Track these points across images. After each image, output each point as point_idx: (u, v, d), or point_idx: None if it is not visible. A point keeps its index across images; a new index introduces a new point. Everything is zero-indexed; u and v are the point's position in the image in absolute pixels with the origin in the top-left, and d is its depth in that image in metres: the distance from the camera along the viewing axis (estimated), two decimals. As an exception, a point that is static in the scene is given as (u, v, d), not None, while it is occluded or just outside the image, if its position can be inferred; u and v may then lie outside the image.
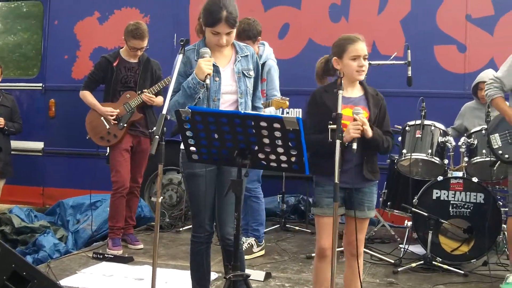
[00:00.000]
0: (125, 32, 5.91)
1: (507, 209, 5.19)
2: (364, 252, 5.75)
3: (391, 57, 6.05)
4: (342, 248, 5.79)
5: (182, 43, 3.84)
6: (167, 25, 7.69)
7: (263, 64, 5.71)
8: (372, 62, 5.99)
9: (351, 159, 3.73)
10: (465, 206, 5.45)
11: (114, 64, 5.97)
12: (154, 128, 3.58)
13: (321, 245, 3.89)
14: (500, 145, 5.04)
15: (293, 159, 3.28)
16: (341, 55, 3.88)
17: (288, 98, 5.51)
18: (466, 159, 5.71)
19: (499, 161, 5.23)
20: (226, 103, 3.94)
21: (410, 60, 6.00)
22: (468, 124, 6.24)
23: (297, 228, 6.91)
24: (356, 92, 3.93)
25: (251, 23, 5.66)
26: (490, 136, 5.11)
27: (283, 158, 3.30)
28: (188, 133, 3.35)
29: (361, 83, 3.97)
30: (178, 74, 3.86)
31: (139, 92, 5.95)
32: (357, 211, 3.82)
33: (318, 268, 3.99)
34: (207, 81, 3.69)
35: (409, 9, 7.16)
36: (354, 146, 3.61)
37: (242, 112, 3.33)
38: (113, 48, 7.52)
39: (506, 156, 4.99)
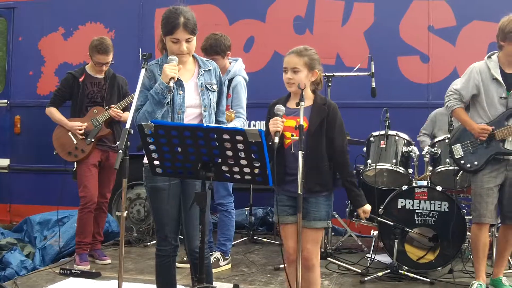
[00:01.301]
0: (90, 47, 5.90)
1: (471, 217, 5.27)
2: (331, 262, 5.85)
3: (355, 69, 6.14)
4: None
5: (144, 57, 3.88)
6: (132, 40, 7.71)
7: (231, 80, 5.74)
8: (336, 74, 6.11)
9: (296, 171, 3.69)
10: (430, 215, 5.51)
11: (80, 79, 5.96)
12: (118, 142, 3.59)
13: (286, 250, 4.00)
14: (462, 155, 5.12)
15: (256, 171, 3.32)
16: None
17: (234, 111, 5.54)
18: (430, 168, 5.79)
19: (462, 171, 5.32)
20: (190, 117, 3.97)
21: (373, 71, 6.09)
22: (437, 131, 6.32)
23: (265, 240, 6.93)
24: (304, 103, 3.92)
25: (218, 38, 5.67)
26: (452, 146, 5.19)
27: (247, 170, 3.33)
28: (152, 147, 3.37)
29: (314, 93, 4.02)
30: (143, 88, 3.89)
31: (107, 107, 5.94)
32: (303, 221, 3.84)
33: (288, 275, 4.06)
34: (171, 83, 3.70)
35: (372, 21, 7.27)
36: (276, 140, 3.68)
37: (205, 125, 3.35)
38: (79, 63, 7.52)
39: (468, 165, 5.08)
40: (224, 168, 3.36)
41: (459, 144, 5.16)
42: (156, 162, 3.43)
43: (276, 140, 3.68)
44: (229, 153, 3.27)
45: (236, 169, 3.34)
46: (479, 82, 5.01)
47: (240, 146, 3.22)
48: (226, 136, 3.21)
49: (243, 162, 3.29)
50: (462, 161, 5.12)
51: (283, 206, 3.94)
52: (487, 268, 5.25)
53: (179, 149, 3.33)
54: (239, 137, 3.20)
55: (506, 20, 4.89)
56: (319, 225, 3.95)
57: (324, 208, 3.96)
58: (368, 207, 4.00)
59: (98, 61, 5.89)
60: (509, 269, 5.52)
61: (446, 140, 5.60)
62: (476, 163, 5.03)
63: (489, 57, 5.06)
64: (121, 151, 3.50)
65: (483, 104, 5.01)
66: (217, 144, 3.26)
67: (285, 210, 3.93)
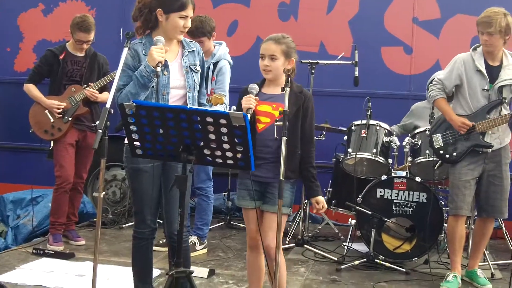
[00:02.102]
0: (71, 24, 5.80)
1: (448, 208, 5.29)
2: (308, 249, 5.85)
3: (339, 57, 6.11)
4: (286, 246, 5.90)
5: (127, 36, 3.81)
6: (113, 18, 7.58)
7: (216, 63, 5.71)
8: (320, 61, 6.07)
9: (266, 156, 3.79)
10: (408, 205, 5.53)
11: (60, 57, 5.86)
12: (98, 122, 3.53)
13: (248, 235, 4.04)
14: (442, 145, 5.13)
15: (239, 155, 3.26)
16: None
17: (225, 94, 5.50)
18: (410, 159, 5.80)
19: (441, 161, 5.32)
20: (174, 98, 3.92)
21: (357, 60, 6.06)
22: (419, 122, 6.31)
23: (242, 225, 6.89)
24: (279, 89, 3.88)
25: (203, 20, 5.65)
26: (432, 136, 5.21)
27: (229, 154, 3.27)
28: (132, 128, 3.29)
29: (289, 80, 3.96)
30: (126, 67, 3.83)
31: (85, 86, 5.85)
32: (267, 205, 3.90)
33: (248, 260, 4.11)
34: (158, 68, 3.65)
35: (357, 10, 7.25)
36: (248, 116, 3.64)
37: (189, 107, 3.29)
38: (58, 41, 7.40)
39: (447, 155, 5.09)
40: (206, 151, 3.30)
41: (439, 134, 5.18)
42: (137, 143, 3.36)
43: (248, 116, 3.66)
44: (212, 136, 3.21)
45: (219, 153, 3.28)
46: (462, 73, 5.01)
47: (224, 130, 3.17)
48: (209, 119, 3.15)
49: (226, 146, 3.23)
50: (441, 151, 5.14)
51: (248, 190, 3.91)
52: (463, 260, 5.30)
53: (161, 131, 3.26)
54: (222, 121, 3.14)
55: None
56: (283, 210, 3.81)
57: (289, 194, 3.94)
58: (321, 198, 3.95)
59: (79, 39, 5.80)
60: (484, 261, 5.54)
61: (427, 132, 5.61)
62: (454, 154, 5.05)
63: (475, 49, 5.07)
64: (100, 130, 3.44)
65: (466, 95, 5.02)
66: (200, 127, 3.19)
67: (250, 194, 3.91)
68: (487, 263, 5.53)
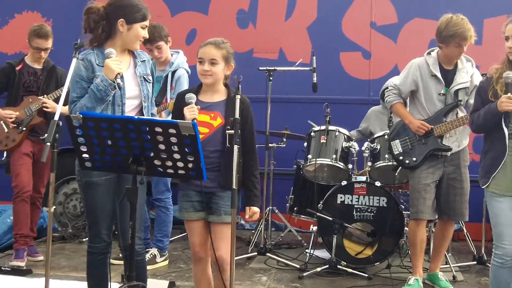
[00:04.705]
0: (29, 33, 5.72)
1: (409, 212, 5.29)
2: (270, 258, 5.81)
3: (296, 64, 6.09)
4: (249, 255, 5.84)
5: (76, 46, 3.76)
6: (70, 29, 7.40)
7: (174, 72, 5.68)
8: (278, 68, 6.05)
9: (208, 167, 3.59)
10: (369, 210, 5.51)
11: (17, 68, 5.78)
12: (46, 134, 3.46)
13: (191, 248, 3.94)
14: (401, 151, 5.13)
15: (190, 165, 3.22)
16: None
17: None
18: (369, 163, 5.80)
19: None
20: (129, 108, 3.86)
21: (315, 66, 6.04)
22: (373, 128, 6.34)
23: (204, 235, 6.82)
24: (217, 97, 3.86)
25: (156, 26, 5.66)
26: (391, 142, 5.20)
27: (180, 164, 3.23)
28: (80, 140, 3.23)
29: (226, 86, 3.92)
30: (80, 79, 3.76)
31: (42, 96, 5.75)
32: (214, 216, 3.80)
33: (194, 274, 4.02)
34: (118, 80, 3.60)
35: (315, 16, 7.26)
36: None
37: (136, 117, 3.24)
38: (14, 53, 7.31)
39: (407, 161, 5.09)
40: (157, 162, 3.25)
41: (398, 140, 5.17)
42: (85, 156, 3.29)
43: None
44: (162, 146, 3.17)
45: (169, 163, 3.24)
46: (417, 78, 5.02)
47: (173, 139, 3.12)
48: (158, 129, 3.11)
49: (177, 156, 3.19)
50: (401, 157, 5.14)
51: (191, 202, 3.84)
52: (424, 263, 5.30)
53: (109, 142, 3.20)
54: (172, 130, 3.09)
55: (444, 22, 4.88)
56: (229, 219, 3.72)
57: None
58: (256, 209, 3.83)
59: (37, 45, 5.70)
60: (446, 264, 5.56)
61: (386, 136, 5.61)
62: (414, 159, 5.05)
63: (429, 53, 5.08)
64: (48, 143, 3.37)
65: (422, 100, 5.03)
66: (149, 137, 3.15)
67: (193, 206, 3.83)
68: (448, 265, 5.54)
